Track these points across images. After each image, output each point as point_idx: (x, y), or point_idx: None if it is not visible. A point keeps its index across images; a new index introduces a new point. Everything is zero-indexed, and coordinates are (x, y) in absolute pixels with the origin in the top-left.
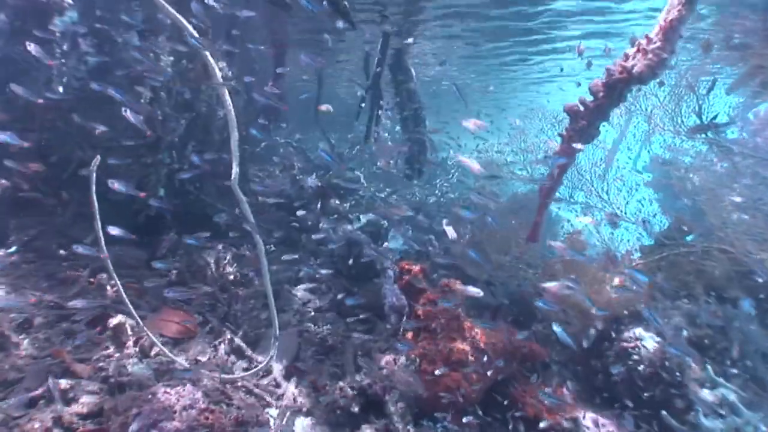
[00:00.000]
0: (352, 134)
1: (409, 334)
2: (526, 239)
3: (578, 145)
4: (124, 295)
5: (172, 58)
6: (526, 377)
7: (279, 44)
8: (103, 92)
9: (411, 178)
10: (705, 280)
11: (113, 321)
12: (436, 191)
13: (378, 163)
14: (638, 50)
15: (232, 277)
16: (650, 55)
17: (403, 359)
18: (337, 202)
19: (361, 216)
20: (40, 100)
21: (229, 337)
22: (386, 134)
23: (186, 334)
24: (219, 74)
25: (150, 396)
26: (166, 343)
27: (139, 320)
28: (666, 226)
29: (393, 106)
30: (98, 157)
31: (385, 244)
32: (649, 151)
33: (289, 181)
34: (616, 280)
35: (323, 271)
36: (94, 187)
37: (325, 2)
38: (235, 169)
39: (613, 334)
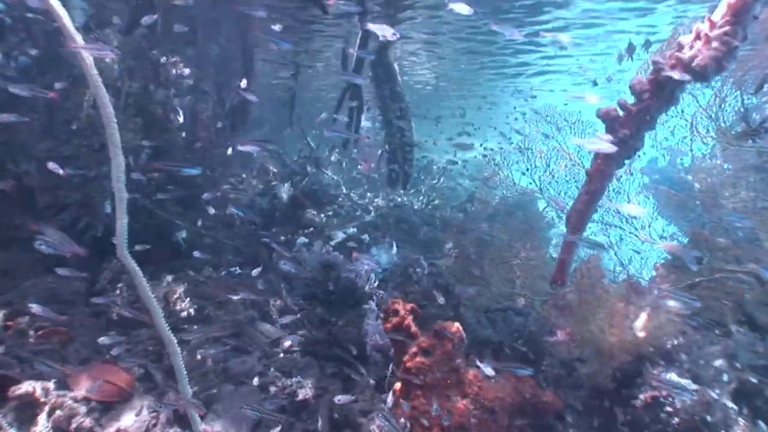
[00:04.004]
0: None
1: (397, 386)
2: (550, 282)
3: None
4: None
5: (119, 53)
6: None
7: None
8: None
9: (395, 184)
10: (734, 305)
11: (19, 389)
12: (421, 197)
13: (359, 167)
14: (697, 37)
15: (185, 314)
16: (715, 43)
17: (390, 425)
18: (313, 212)
19: (338, 231)
20: None
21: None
22: (368, 137)
23: (119, 395)
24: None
25: None
26: (93, 410)
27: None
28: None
29: (375, 106)
30: None
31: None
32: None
33: (261, 189)
34: (643, 314)
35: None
36: None
37: None
38: (122, 223)
39: (639, 379)
